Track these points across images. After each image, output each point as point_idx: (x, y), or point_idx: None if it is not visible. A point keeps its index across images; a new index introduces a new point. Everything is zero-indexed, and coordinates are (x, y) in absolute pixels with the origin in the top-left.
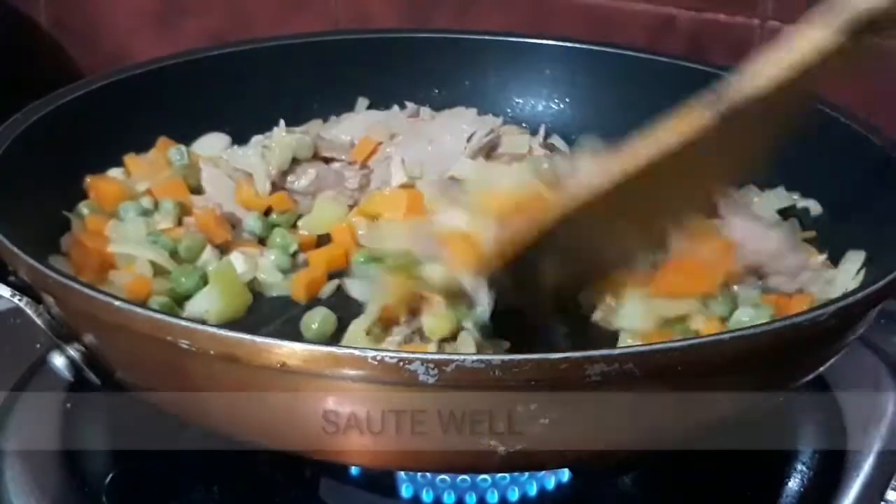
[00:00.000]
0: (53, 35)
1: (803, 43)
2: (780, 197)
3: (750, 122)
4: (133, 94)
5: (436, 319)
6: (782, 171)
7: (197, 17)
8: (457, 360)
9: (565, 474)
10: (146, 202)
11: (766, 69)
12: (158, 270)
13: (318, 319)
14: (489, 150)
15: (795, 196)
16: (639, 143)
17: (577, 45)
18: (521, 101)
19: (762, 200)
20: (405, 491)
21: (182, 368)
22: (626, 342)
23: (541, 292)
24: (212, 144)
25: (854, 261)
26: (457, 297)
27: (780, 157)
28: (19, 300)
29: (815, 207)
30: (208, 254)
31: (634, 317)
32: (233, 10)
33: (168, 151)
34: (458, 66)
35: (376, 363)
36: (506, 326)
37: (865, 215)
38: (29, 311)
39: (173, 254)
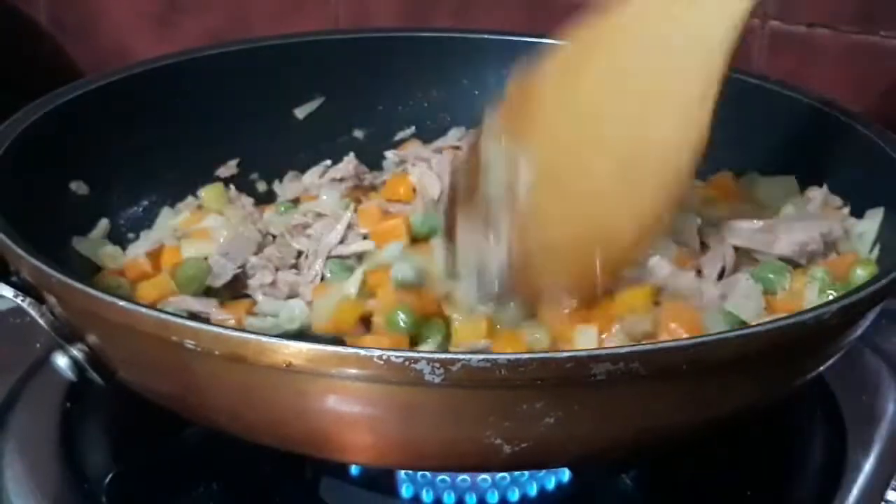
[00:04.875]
0: (53, 34)
1: None
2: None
3: None
4: (133, 93)
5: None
6: (782, 166)
7: (196, 16)
8: (463, 359)
9: (565, 474)
10: None
11: None
12: None
13: None
14: None
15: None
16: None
17: None
18: None
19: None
20: (405, 490)
21: (187, 368)
22: None
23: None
24: None
25: (874, 217)
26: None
27: (781, 153)
28: (22, 300)
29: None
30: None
31: None
32: (232, 9)
33: None
34: (457, 66)
35: (382, 362)
36: None
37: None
38: (32, 312)
39: None
